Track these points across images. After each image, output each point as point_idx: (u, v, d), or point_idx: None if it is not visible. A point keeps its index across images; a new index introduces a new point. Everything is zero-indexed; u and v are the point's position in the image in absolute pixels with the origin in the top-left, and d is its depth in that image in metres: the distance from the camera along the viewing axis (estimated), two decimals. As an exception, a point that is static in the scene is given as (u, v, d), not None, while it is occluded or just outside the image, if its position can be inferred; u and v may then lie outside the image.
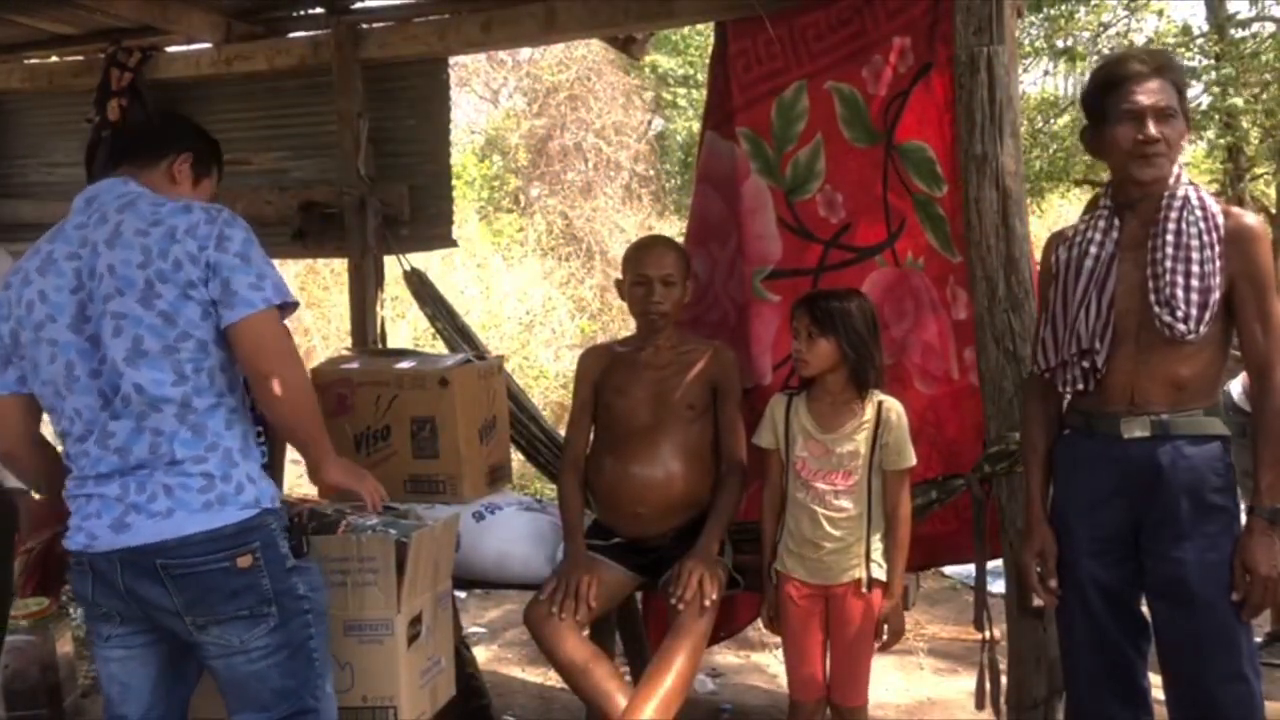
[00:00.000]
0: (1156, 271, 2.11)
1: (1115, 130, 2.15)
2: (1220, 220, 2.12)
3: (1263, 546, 2.08)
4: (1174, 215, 2.12)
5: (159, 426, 1.89)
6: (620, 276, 2.92)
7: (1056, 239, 2.33)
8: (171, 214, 1.94)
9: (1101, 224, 2.22)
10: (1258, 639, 3.36)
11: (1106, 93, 2.18)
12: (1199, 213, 2.12)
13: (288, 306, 1.98)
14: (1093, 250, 2.20)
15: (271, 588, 1.92)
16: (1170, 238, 2.11)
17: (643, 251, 2.86)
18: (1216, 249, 2.09)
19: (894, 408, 2.55)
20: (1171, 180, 2.16)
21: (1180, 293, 2.08)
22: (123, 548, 1.89)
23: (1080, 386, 2.21)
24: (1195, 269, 2.08)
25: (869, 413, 2.54)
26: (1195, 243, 2.09)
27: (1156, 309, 2.10)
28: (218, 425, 1.93)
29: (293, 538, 1.98)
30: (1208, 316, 2.08)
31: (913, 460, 2.56)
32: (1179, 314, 2.07)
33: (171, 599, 1.89)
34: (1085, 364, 2.18)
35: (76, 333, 1.93)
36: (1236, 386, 3.69)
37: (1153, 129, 2.11)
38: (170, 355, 1.89)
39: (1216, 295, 2.09)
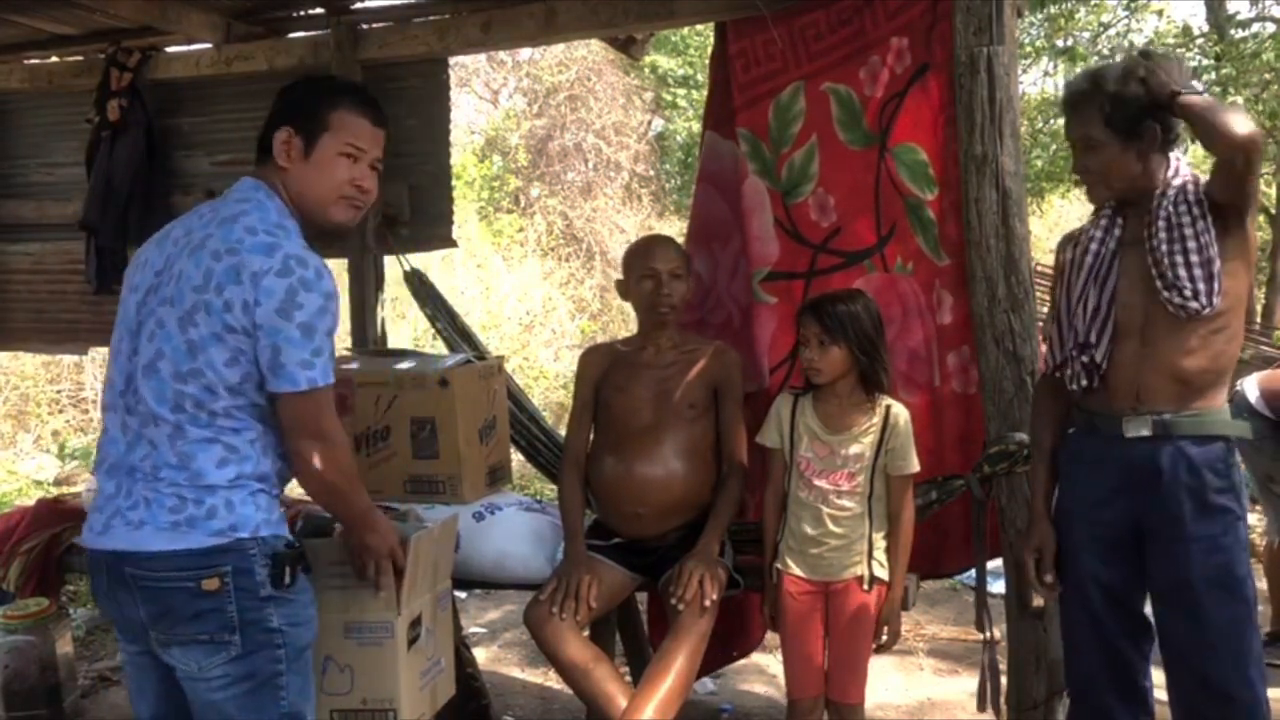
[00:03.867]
0: (1156, 258, 2.13)
1: None
2: (1202, 190, 2.15)
3: None
4: (1165, 204, 2.14)
5: (154, 439, 1.86)
6: (621, 277, 2.92)
7: (1066, 240, 2.37)
8: (253, 250, 1.83)
9: (1104, 223, 2.25)
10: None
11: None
12: (1187, 190, 2.14)
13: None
14: (1093, 248, 2.23)
15: (238, 616, 1.84)
16: (1161, 223, 2.13)
17: (650, 246, 2.88)
18: (1208, 219, 2.11)
19: (901, 413, 2.56)
20: (1170, 174, 2.18)
21: (1183, 271, 2.09)
22: (104, 550, 1.88)
23: (1084, 383, 2.22)
24: (1191, 244, 2.10)
25: (876, 416, 2.55)
26: (1185, 219, 2.11)
27: (1165, 294, 2.10)
28: (206, 461, 1.85)
29: (274, 567, 1.87)
30: (1216, 287, 2.08)
31: (916, 466, 2.56)
32: (1187, 292, 2.08)
33: (139, 610, 1.86)
34: (1085, 359, 2.20)
35: (136, 312, 1.92)
36: (1252, 390, 3.61)
37: (1078, 164, 2.21)
38: (176, 383, 1.84)
39: (1218, 265, 2.09)
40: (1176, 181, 2.16)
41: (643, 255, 2.84)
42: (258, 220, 1.89)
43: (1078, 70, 9.35)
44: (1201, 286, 2.08)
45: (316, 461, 1.91)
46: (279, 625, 1.88)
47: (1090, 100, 2.15)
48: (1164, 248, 2.11)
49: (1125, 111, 2.12)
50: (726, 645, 3.15)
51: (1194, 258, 2.09)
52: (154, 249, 1.97)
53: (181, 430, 1.85)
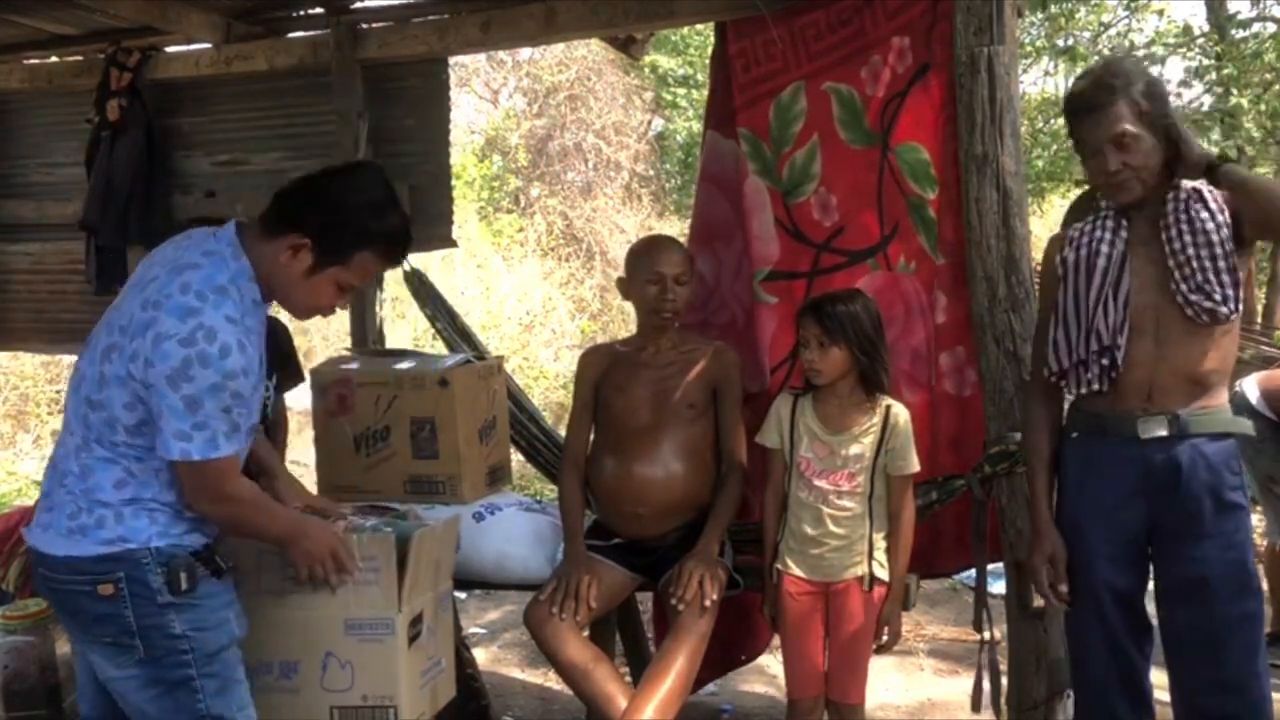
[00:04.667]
0: (1180, 261, 2.12)
1: (1087, 163, 2.20)
2: (1222, 200, 2.14)
3: None
4: (1182, 207, 2.14)
5: (69, 446, 1.93)
6: (622, 275, 2.92)
7: (1059, 241, 2.34)
8: (170, 312, 1.82)
9: (1110, 224, 2.23)
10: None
11: (1073, 123, 2.21)
12: (1205, 196, 2.14)
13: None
14: (1104, 250, 2.21)
15: (136, 622, 1.87)
16: (1184, 227, 2.12)
17: (655, 249, 2.86)
18: (1230, 228, 2.11)
19: (901, 413, 2.56)
20: (1173, 177, 2.17)
21: (1213, 276, 2.09)
22: (29, 545, 1.96)
23: (1096, 386, 2.20)
24: (1219, 250, 2.10)
25: (876, 417, 2.55)
26: (1210, 225, 2.11)
27: (1193, 298, 2.10)
28: (104, 478, 1.88)
29: (169, 574, 1.88)
30: (1240, 293, 2.10)
31: (916, 466, 2.56)
32: (1217, 296, 2.09)
33: (58, 609, 1.95)
34: (1105, 361, 2.18)
35: (97, 327, 1.98)
36: (1252, 390, 3.58)
37: (1112, 163, 2.12)
38: (87, 406, 1.89)
39: (1241, 273, 2.11)
40: (1187, 184, 2.15)
41: (647, 258, 2.82)
42: (201, 279, 1.85)
43: (1078, 70, 9.36)
44: (1230, 293, 2.09)
45: (219, 517, 1.96)
46: (182, 631, 1.91)
47: (1131, 87, 2.12)
48: (1190, 251, 2.11)
49: (1159, 107, 2.13)
50: (733, 649, 3.15)
51: (1221, 264, 2.09)
52: (143, 266, 2.00)
53: (88, 445, 1.90)
